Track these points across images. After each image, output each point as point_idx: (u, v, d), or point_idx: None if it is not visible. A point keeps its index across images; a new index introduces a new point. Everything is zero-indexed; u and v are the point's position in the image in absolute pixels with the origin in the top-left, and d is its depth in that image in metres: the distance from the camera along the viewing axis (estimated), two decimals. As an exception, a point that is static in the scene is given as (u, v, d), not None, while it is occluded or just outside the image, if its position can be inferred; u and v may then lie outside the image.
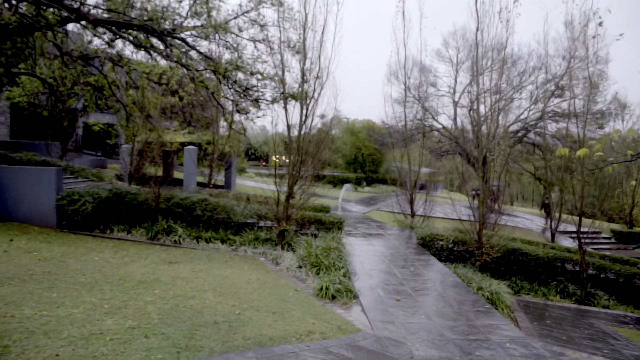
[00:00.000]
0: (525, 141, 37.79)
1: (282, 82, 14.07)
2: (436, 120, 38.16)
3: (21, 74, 15.89)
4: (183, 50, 13.69)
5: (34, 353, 4.81)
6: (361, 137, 51.84)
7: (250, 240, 13.82)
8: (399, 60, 29.89)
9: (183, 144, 25.95)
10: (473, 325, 8.51)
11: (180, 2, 13.62)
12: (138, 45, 13.64)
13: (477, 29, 14.01)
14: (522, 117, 36.08)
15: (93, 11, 13.08)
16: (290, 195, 13.53)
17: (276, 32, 17.53)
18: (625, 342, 10.13)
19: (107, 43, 14.43)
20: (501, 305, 11.04)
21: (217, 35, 14.34)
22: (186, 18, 13.83)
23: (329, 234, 14.66)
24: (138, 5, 13.05)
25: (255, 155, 66.43)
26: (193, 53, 14.30)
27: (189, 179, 23.57)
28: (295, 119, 13.67)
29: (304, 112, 13.58)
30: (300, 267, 11.73)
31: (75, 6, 12.12)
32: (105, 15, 12.88)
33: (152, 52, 13.78)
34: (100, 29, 14.17)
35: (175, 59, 12.64)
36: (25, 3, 12.32)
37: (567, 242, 25.64)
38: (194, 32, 13.73)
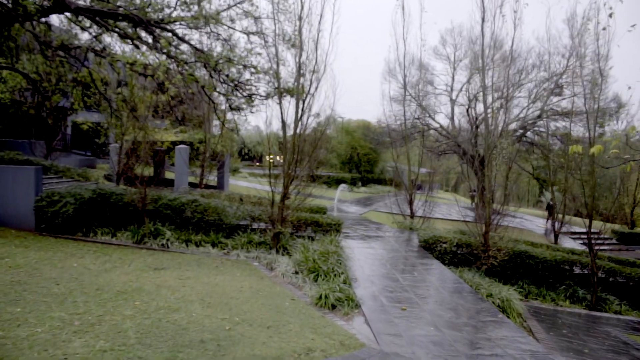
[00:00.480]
0: (524, 140, 37.14)
1: (277, 75, 13.27)
2: (433, 119, 37.46)
3: (1, 68, 15.01)
4: (173, 43, 12.89)
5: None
6: (356, 137, 51.11)
7: (243, 243, 13.01)
8: (398, 55, 29.00)
9: (174, 143, 25.08)
10: (487, 337, 7.75)
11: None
12: (124, 37, 12.79)
13: (483, 20, 13.23)
14: (521, 115, 35.42)
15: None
16: (285, 195, 12.74)
17: (270, 24, 16.66)
18: (648, 354, 9.41)
19: (94, 37, 13.60)
20: (512, 313, 10.32)
21: (208, 26, 13.51)
22: (175, 8, 13.01)
23: (326, 236, 13.89)
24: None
25: (249, 156, 65.70)
26: (184, 47, 13.52)
27: (180, 179, 22.76)
28: (290, 115, 12.92)
29: (300, 107, 12.81)
30: (296, 272, 10.93)
31: (55, -6, 11.30)
32: (89, 3, 12.04)
33: (138, 43, 12.94)
34: (87, 22, 13.34)
35: (163, 50, 11.81)
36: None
37: (570, 244, 25.01)
38: (183, 22, 12.89)
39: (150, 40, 12.89)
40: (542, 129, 35.63)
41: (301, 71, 12.98)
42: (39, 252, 9.89)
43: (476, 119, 36.55)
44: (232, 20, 13.60)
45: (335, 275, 10.34)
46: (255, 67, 13.49)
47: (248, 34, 14.35)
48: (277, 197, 12.88)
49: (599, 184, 27.83)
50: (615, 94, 32.46)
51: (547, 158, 30.27)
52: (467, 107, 37.20)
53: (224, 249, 12.73)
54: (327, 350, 6.25)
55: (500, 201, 14.22)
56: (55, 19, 15.75)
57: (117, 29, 12.82)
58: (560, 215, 23.97)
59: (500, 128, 13.57)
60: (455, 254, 14.12)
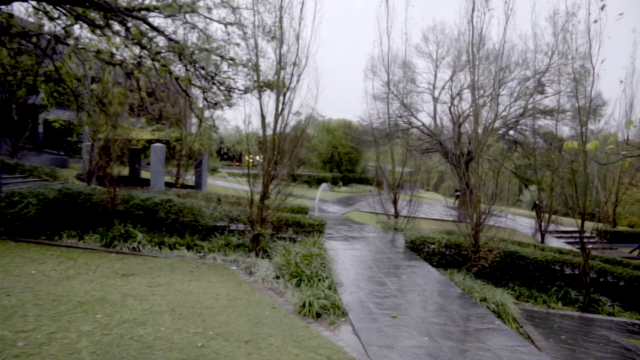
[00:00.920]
0: (506, 139, 36.83)
1: (256, 68, 12.51)
2: (416, 118, 36.95)
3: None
4: (148, 35, 12.06)
5: None
6: (337, 136, 50.41)
7: (221, 246, 12.21)
8: (382, 50, 28.40)
9: (150, 142, 24.12)
10: (487, 347, 7.10)
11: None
12: (94, 26, 11.90)
13: (473, 9, 12.63)
14: (504, 114, 35.08)
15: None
16: (265, 194, 11.98)
17: (249, 15, 15.91)
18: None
19: (64, 28, 12.68)
20: (507, 318, 9.73)
21: (184, 16, 12.70)
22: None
23: (309, 237, 13.18)
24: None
25: (228, 155, 64.66)
26: (159, 40, 12.69)
27: (156, 178, 21.86)
28: (270, 111, 12.18)
29: (281, 102, 12.08)
30: (277, 277, 10.18)
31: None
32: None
33: (111, 35, 12.06)
34: (55, 13, 12.42)
35: (134, 40, 10.96)
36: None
37: (555, 243, 24.69)
38: (156, 11, 12.05)
39: (123, 33, 12.05)
40: (523, 127, 35.37)
41: (282, 63, 12.26)
42: (-5, 258, 9.01)
43: (459, 116, 36.14)
44: (209, 9, 12.80)
45: (319, 279, 9.63)
46: (233, 59, 12.71)
47: (226, 24, 13.57)
48: (257, 197, 12.12)
49: (578, 183, 27.61)
50: (598, 92, 32.26)
51: (532, 156, 29.97)
52: (449, 105, 36.76)
53: (199, 252, 11.93)
54: (313, 368, 5.54)
55: (488, 200, 13.63)
56: (22, 11, 14.82)
57: (86, 18, 11.93)
58: (546, 215, 23.62)
59: (490, 123, 12.99)
60: (444, 255, 13.53)
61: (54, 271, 8.51)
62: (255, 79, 13.03)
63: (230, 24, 13.63)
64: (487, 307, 9.65)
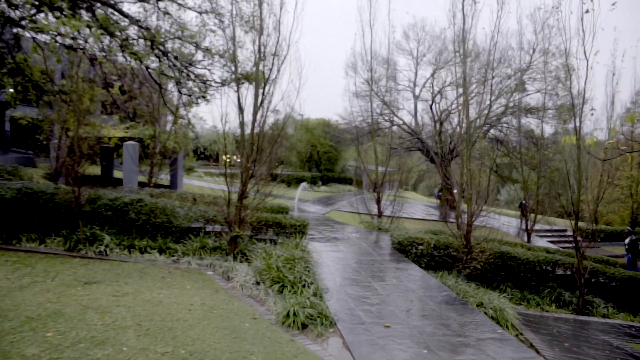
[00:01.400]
0: (488, 137, 36.46)
1: (234, 58, 11.66)
2: (396, 116, 36.34)
3: None
4: (120, 24, 11.12)
5: None
6: (316, 134, 49.55)
7: (196, 249, 11.31)
8: (364, 43, 27.63)
9: (123, 140, 23.02)
10: (493, 362, 6.40)
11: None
12: (59, 10, 10.90)
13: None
14: (485, 112, 34.65)
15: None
16: (243, 193, 11.13)
17: (226, 4, 15.05)
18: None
19: (30, 18, 11.66)
20: (506, 324, 9.08)
21: (156, 1, 11.78)
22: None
23: (290, 239, 12.38)
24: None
25: (205, 155, 63.46)
26: (131, 31, 11.76)
27: (129, 177, 20.78)
28: (249, 104, 11.36)
29: (260, 95, 11.26)
30: (257, 283, 9.36)
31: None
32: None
33: (74, 20, 11.06)
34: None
35: (100, 24, 10.01)
36: None
37: (541, 242, 24.31)
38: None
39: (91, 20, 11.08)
40: (504, 125, 35.01)
41: (261, 54, 11.44)
42: (-60, 265, 8.04)
43: (440, 114, 35.66)
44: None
45: (303, 285, 8.84)
46: (208, 49, 11.84)
47: (201, 12, 12.69)
48: (234, 196, 11.27)
49: (555, 181, 27.30)
50: (581, 89, 31.97)
51: (514, 155, 29.59)
52: (430, 103, 36.25)
53: (173, 256, 11.02)
54: (302, 393, 4.75)
55: (480, 199, 13.01)
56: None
57: (51, 4, 10.92)
58: (532, 214, 23.21)
59: (481, 111, 12.36)
60: (433, 257, 12.86)
61: (5, 280, 7.56)
62: (233, 70, 12.19)
63: (206, 12, 12.76)
64: (485, 313, 8.97)
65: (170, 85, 18.33)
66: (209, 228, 12.40)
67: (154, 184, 20.77)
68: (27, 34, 11.91)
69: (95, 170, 28.90)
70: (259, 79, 11.29)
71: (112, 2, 11.34)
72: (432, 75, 35.61)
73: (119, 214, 11.59)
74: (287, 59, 11.18)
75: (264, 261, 9.92)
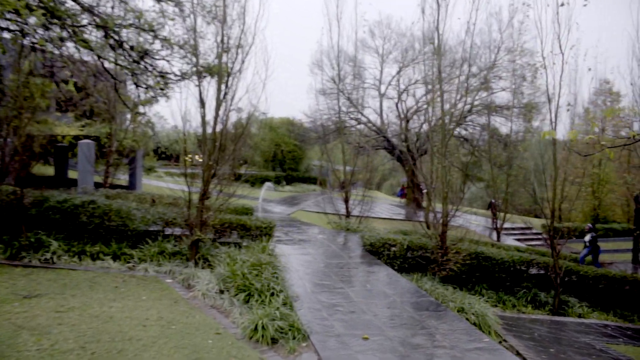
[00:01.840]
0: (455, 135, 36.37)
1: (195, 49, 10.84)
2: (362, 114, 35.88)
3: None
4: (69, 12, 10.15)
5: None
6: (280, 133, 48.71)
7: (154, 254, 10.42)
8: (332, 38, 26.89)
9: (78, 138, 21.77)
10: (482, 378, 5.82)
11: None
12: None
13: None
14: (451, 110, 34.53)
15: None
16: (205, 193, 10.32)
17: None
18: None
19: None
20: (488, 330, 8.58)
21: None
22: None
23: (256, 242, 11.61)
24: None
25: (166, 154, 61.94)
26: (85, 19, 10.79)
27: (84, 178, 19.62)
28: (211, 99, 10.55)
29: (223, 88, 10.50)
30: (221, 291, 8.57)
31: None
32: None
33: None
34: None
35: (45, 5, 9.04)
36: None
37: (508, 241, 24.18)
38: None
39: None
40: (469, 123, 34.97)
41: (225, 44, 10.66)
42: None
43: (407, 112, 35.36)
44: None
45: (272, 294, 8.11)
46: (167, 39, 10.98)
47: (159, 0, 11.79)
48: (196, 197, 10.44)
49: (523, 179, 27.33)
50: (538, 86, 32.12)
51: (480, 153, 29.52)
52: (396, 101, 35.91)
53: (128, 262, 10.11)
54: None
55: (456, 198, 12.54)
56: None
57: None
58: (501, 213, 23.05)
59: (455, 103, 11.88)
60: (406, 259, 12.31)
61: None
62: (194, 62, 11.37)
63: (165, 0, 11.87)
64: (467, 319, 8.43)
65: (129, 83, 17.30)
66: (168, 231, 11.53)
67: (111, 184, 19.66)
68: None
69: (48, 170, 27.48)
70: (221, 72, 10.52)
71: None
72: (398, 73, 35.27)
73: (68, 218, 10.63)
74: (253, 49, 10.45)
75: (228, 267, 9.14)
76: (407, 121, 35.11)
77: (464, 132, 35.48)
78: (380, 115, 36.85)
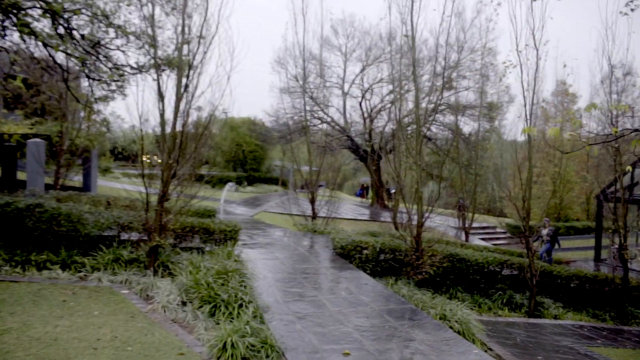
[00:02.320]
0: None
1: (153, 39, 9.98)
2: (326, 113, 35.34)
3: None
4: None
5: None
6: (242, 133, 47.68)
7: (108, 262, 9.48)
8: (297, 32, 26.07)
9: (27, 137, 20.41)
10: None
11: None
12: None
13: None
14: (413, 110, 34.34)
15: None
16: (164, 195, 9.48)
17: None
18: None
19: None
20: (471, 337, 8.08)
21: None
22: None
23: (220, 247, 10.84)
24: None
25: (124, 155, 60.17)
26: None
27: (33, 179, 18.36)
28: (170, 94, 9.72)
29: (184, 81, 9.70)
30: (184, 303, 7.79)
31: None
32: None
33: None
34: None
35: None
36: None
37: (476, 241, 24.04)
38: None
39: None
40: (434, 123, 34.87)
41: (185, 34, 9.86)
42: None
43: (371, 111, 34.99)
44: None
45: (240, 305, 7.37)
46: (120, 27, 10.08)
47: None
48: (155, 199, 9.58)
49: (479, 177, 27.33)
50: (507, 85, 32.34)
51: (446, 152, 29.35)
52: (360, 99, 35.51)
53: (79, 271, 9.16)
54: None
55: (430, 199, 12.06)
56: None
57: None
58: (469, 214, 22.86)
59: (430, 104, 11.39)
60: (379, 262, 11.75)
61: None
62: (152, 54, 10.51)
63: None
64: (451, 328, 7.89)
65: (84, 80, 16.16)
66: (124, 237, 10.61)
67: (62, 185, 18.45)
68: None
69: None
70: (182, 63, 9.71)
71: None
72: (362, 71, 34.87)
73: (11, 223, 9.61)
74: (216, 38, 9.67)
75: (191, 276, 8.35)
76: (372, 120, 34.75)
77: (427, 132, 35.35)
78: (344, 114, 36.42)
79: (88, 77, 10.69)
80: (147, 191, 9.50)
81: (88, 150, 21.13)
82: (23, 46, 10.82)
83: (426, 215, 11.67)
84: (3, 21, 9.86)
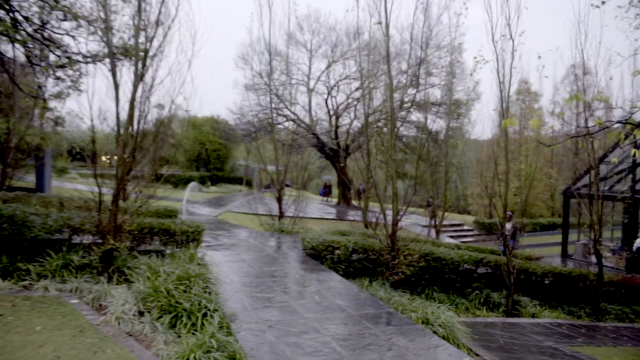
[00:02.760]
0: (384, 132, 35.83)
1: (106, 21, 9.10)
2: (291, 111, 34.61)
3: None
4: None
5: None
6: (205, 131, 46.54)
7: (57, 268, 8.53)
8: (262, 24, 25.14)
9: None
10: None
11: None
12: None
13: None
14: (380, 107, 33.97)
15: None
16: (119, 193, 8.62)
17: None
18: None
19: None
20: (456, 342, 7.53)
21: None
22: None
23: (182, 250, 10.03)
24: None
25: (82, 156, 58.19)
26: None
27: (-24, 179, 17.13)
28: (126, 83, 8.88)
29: (140, 72, 8.88)
30: (141, 313, 6.97)
31: None
32: None
33: None
34: None
35: None
36: None
37: (445, 239, 23.77)
38: None
39: None
40: (400, 120, 34.57)
41: (143, 19, 9.04)
42: None
43: (337, 108, 34.44)
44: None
45: (204, 314, 6.61)
46: (69, 9, 9.16)
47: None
48: (109, 198, 8.72)
49: (447, 175, 27.18)
50: (476, 81, 32.20)
51: (413, 150, 29.07)
52: (325, 97, 34.93)
53: (23, 279, 8.22)
54: None
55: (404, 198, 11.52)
56: None
57: None
58: (440, 212, 22.54)
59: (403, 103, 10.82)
60: (351, 262, 11.13)
61: None
62: (106, 40, 9.62)
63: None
64: (436, 332, 7.31)
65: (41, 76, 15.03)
66: (76, 240, 9.67)
67: (9, 185, 17.21)
68: None
69: None
70: (138, 50, 8.89)
71: None
72: (328, 68, 34.28)
73: (-55, 227, 8.60)
74: (176, 22, 8.87)
75: (149, 282, 7.53)
76: (337, 117, 34.21)
77: (396, 130, 35.07)
78: (309, 111, 35.79)
79: (31, 63, 9.70)
80: (100, 190, 8.64)
81: (41, 148, 19.90)
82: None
83: (401, 213, 11.10)
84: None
